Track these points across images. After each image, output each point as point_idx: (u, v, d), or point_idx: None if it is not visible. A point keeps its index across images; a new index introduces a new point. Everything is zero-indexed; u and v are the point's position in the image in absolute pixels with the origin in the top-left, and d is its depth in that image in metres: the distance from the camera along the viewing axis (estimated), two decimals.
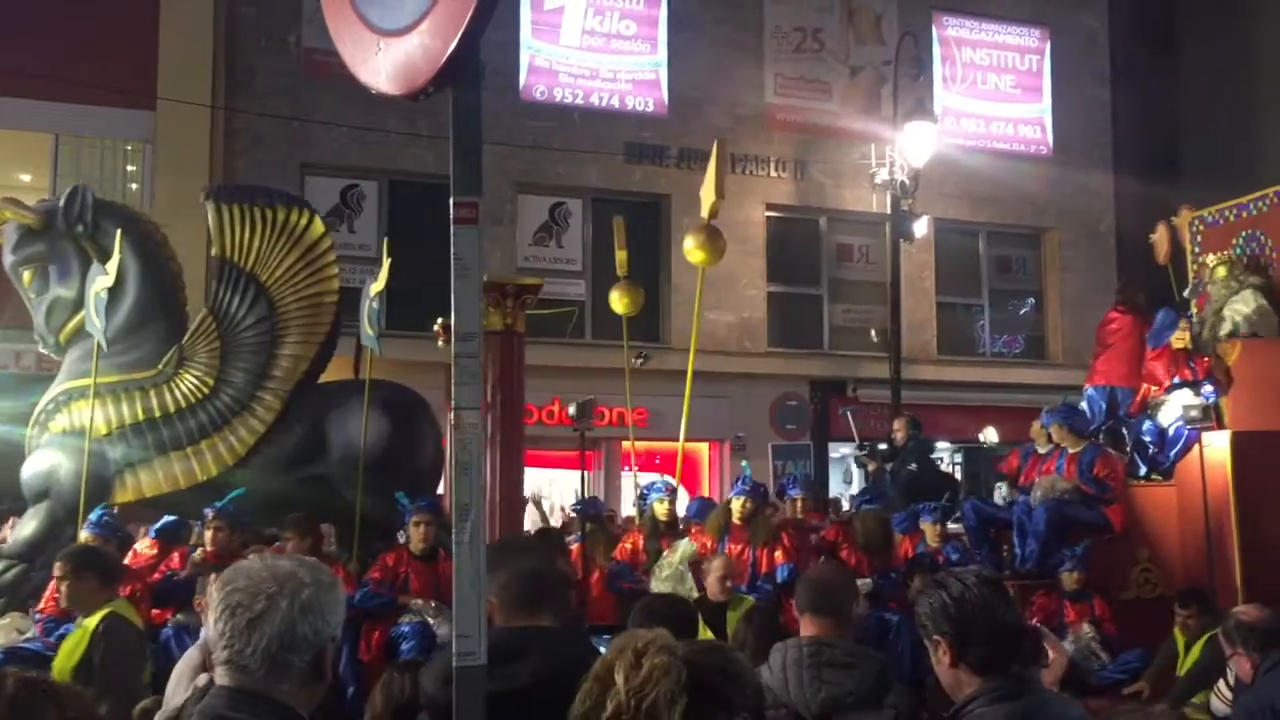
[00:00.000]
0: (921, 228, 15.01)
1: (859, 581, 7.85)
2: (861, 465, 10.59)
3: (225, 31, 14.47)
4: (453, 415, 2.03)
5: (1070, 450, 8.55)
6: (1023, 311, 18.20)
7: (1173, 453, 8.48)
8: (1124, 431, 9.10)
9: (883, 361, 15.15)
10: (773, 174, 16.58)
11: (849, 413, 11.70)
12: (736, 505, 8.41)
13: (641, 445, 16.06)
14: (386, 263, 8.44)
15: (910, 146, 14.30)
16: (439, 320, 8.98)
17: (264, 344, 8.54)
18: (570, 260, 15.94)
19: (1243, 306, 8.83)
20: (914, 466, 10.09)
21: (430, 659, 2.42)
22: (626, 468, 15.23)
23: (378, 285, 8.35)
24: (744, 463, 9.48)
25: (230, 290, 8.54)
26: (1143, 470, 8.67)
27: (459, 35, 2.00)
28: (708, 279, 16.06)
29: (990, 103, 17.95)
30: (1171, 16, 21.94)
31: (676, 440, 16.28)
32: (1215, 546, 7.83)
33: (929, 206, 15.66)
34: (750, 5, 16.68)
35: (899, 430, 10.54)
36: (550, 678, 1.96)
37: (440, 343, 9.01)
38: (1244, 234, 9.50)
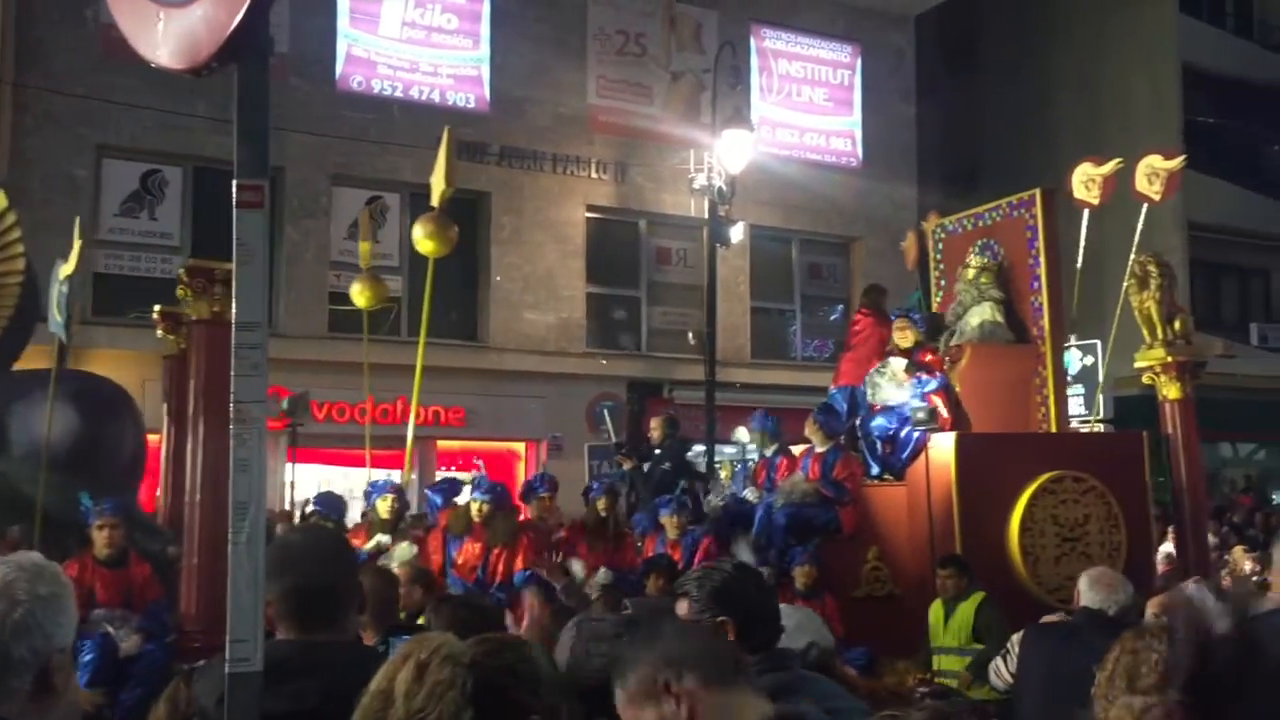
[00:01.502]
0: (737, 233, 15.31)
1: (600, 573, 8.01)
2: (616, 464, 10.56)
3: (15, 1, 13.56)
4: (233, 409, 1.92)
5: (818, 449, 8.64)
6: (832, 317, 18.80)
7: (904, 454, 8.64)
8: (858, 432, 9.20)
9: (698, 364, 15.39)
10: (593, 175, 16.64)
11: (606, 410, 11.62)
12: (475, 507, 8.40)
13: (457, 444, 15.91)
14: (77, 245, 7.91)
15: (728, 153, 14.56)
16: (156, 307, 8.56)
17: None
18: (387, 255, 15.58)
19: (976, 318, 9.20)
20: (668, 465, 10.10)
21: (202, 668, 2.27)
22: (444, 468, 15.03)
23: (67, 269, 7.81)
24: (478, 461, 9.36)
25: None
26: (875, 470, 8.82)
27: (244, 8, 1.90)
28: (526, 278, 16.10)
29: (804, 114, 18.48)
30: (973, 38, 23.12)
31: (495, 440, 16.24)
32: (939, 544, 8.09)
33: (744, 213, 16.01)
34: (573, 6, 16.69)
35: (655, 429, 10.46)
36: (344, 695, 1.86)
37: (160, 332, 8.63)
38: (980, 243, 9.81)
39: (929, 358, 8.85)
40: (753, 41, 18.04)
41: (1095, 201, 9.70)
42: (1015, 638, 5.36)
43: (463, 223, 16.14)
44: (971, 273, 9.46)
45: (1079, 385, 16.33)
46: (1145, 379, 9.04)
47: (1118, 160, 9.66)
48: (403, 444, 15.39)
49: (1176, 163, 9.50)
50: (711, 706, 1.85)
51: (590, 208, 16.65)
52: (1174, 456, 8.85)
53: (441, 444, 15.55)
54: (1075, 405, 17.69)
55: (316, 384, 14.46)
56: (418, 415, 15.19)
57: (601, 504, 8.89)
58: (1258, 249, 22.30)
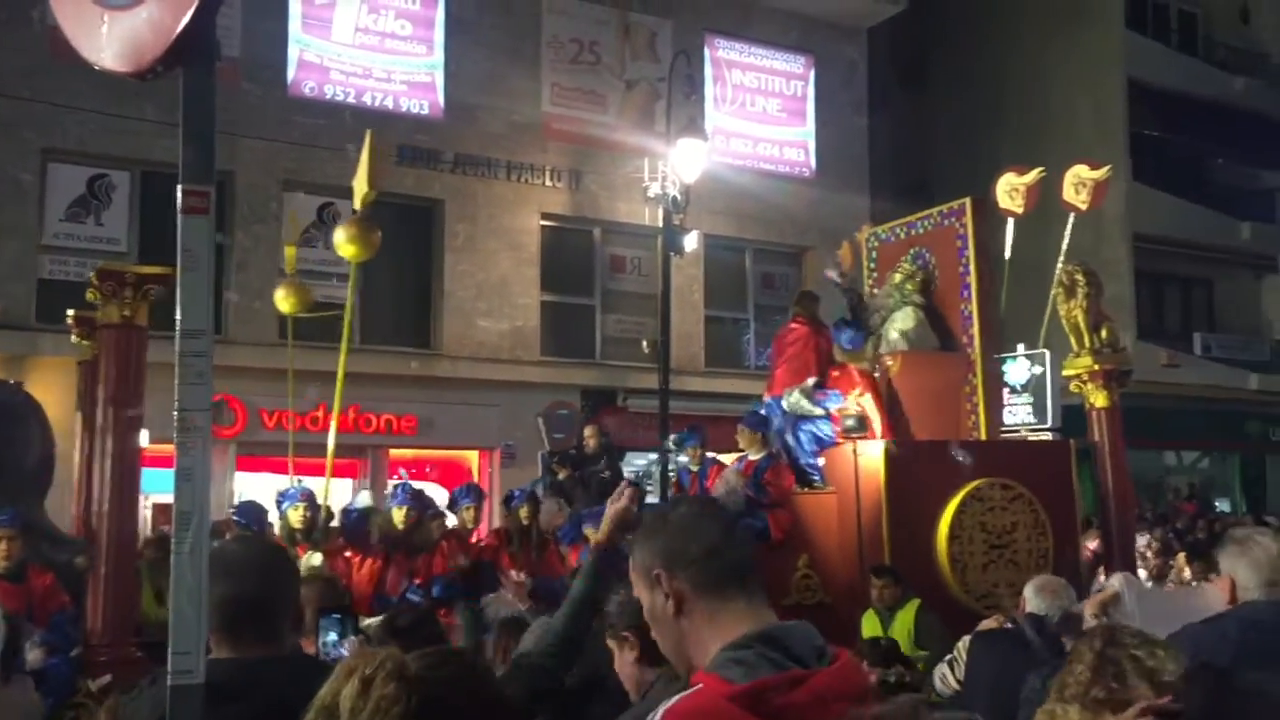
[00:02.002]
0: (691, 242, 15.33)
1: (516, 577, 8.03)
2: (551, 472, 10.45)
3: None
4: (176, 418, 1.89)
5: (750, 457, 8.60)
6: None
7: (804, 462, 8.70)
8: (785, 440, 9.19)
9: (652, 372, 15.40)
10: (548, 183, 16.62)
11: (542, 419, 11.52)
12: (398, 515, 8.25)
13: (410, 453, 15.80)
14: None
15: (682, 163, 14.59)
16: (71, 312, 8.43)
17: None
18: (339, 262, 15.39)
19: (902, 324, 9.28)
20: (607, 474, 10.03)
21: (140, 686, 2.22)
22: (396, 475, 14.92)
23: None
24: (401, 471, 9.24)
25: None
26: (817, 478, 8.79)
27: (191, 11, 1.88)
28: (480, 285, 16.03)
29: (758, 124, 18.59)
30: (924, 51, 23.42)
31: (448, 449, 16.14)
32: (868, 552, 8.09)
33: (699, 222, 16.04)
34: (528, 14, 16.68)
35: (591, 438, 10.41)
36: (287, 711, 1.82)
37: (74, 337, 8.49)
38: (913, 251, 9.89)
39: (836, 374, 8.91)
40: (707, 51, 18.13)
41: (1019, 210, 9.83)
42: (961, 644, 5.42)
43: (416, 230, 16.16)
44: (898, 277, 9.53)
45: (1028, 395, 16.54)
46: (1073, 387, 9.14)
47: (1040, 170, 9.79)
48: (355, 453, 15.34)
49: (1103, 172, 9.64)
50: (698, 610, 1.88)
51: (545, 215, 16.62)
52: (1100, 463, 8.94)
53: (394, 452, 15.45)
54: (1024, 414, 17.98)
55: (267, 391, 14.31)
56: (368, 423, 15.18)
57: (524, 512, 8.72)
58: (1201, 260, 22.74)
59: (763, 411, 9.40)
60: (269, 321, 14.70)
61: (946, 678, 5.39)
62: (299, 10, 15.17)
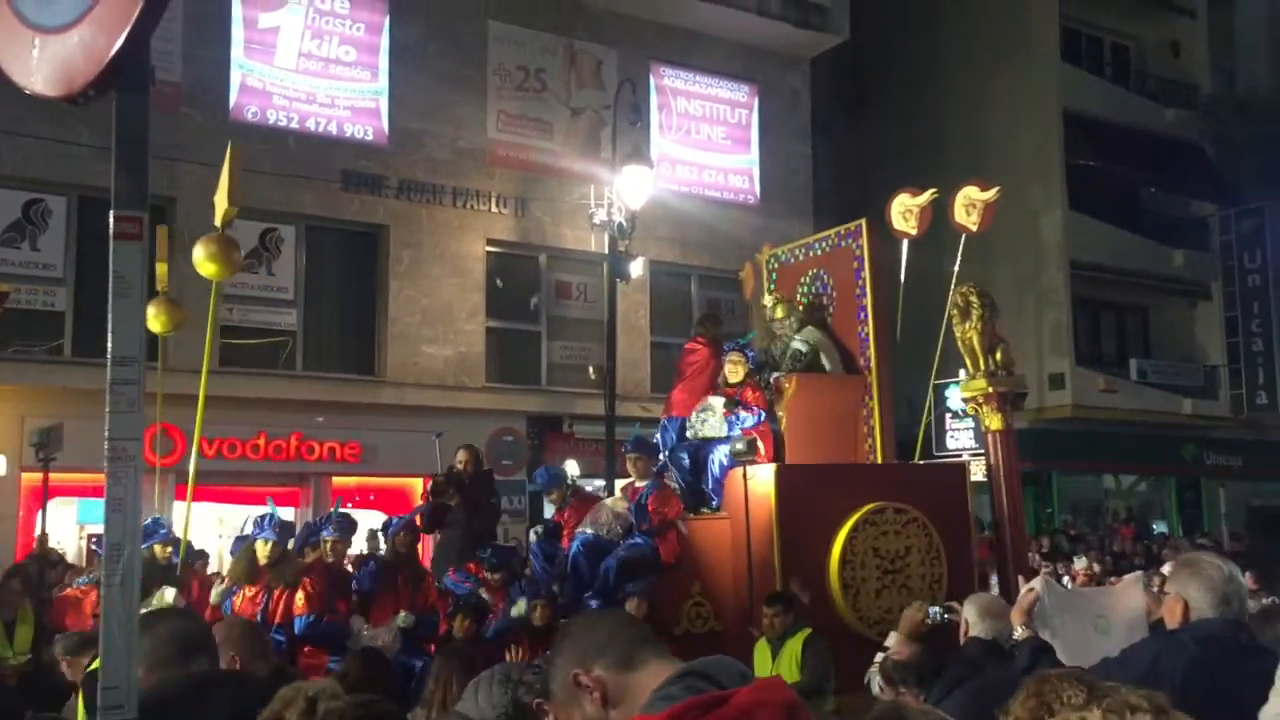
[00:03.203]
0: (637, 268, 15.40)
1: (399, 616, 7.70)
2: (439, 493, 10.12)
3: None
4: (107, 447, 1.86)
5: (637, 484, 8.36)
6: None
7: (714, 485, 8.52)
8: (673, 464, 8.96)
9: (599, 398, 15.40)
10: (493, 209, 16.59)
11: (436, 438, 11.25)
12: (262, 548, 7.69)
13: (354, 480, 15.62)
14: None
15: (627, 189, 14.66)
16: None
17: None
18: (282, 289, 15.32)
19: (801, 345, 9.19)
20: (495, 500, 9.86)
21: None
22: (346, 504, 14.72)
23: None
24: (269, 499, 8.78)
25: None
26: (715, 502, 8.61)
27: (124, 35, 1.86)
28: (425, 312, 15.94)
29: (703, 151, 18.73)
30: (866, 81, 23.78)
31: (392, 476, 15.97)
32: (758, 578, 7.88)
33: (644, 248, 16.12)
34: (473, 41, 16.69)
35: (466, 461, 9.99)
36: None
37: None
38: (810, 273, 9.83)
39: (750, 394, 8.72)
40: (652, 79, 18.25)
41: (913, 232, 9.75)
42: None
43: (360, 256, 16.05)
44: (781, 310, 9.43)
45: (969, 420, 16.76)
46: (969, 409, 9.03)
47: (933, 191, 9.75)
48: (297, 481, 15.15)
49: (992, 194, 9.60)
50: (618, 687, 1.92)
51: (490, 241, 16.59)
52: (995, 486, 8.68)
53: (337, 480, 15.27)
54: (966, 438, 18.22)
55: (207, 419, 14.04)
56: (311, 451, 14.99)
57: (399, 540, 8.36)
58: (1136, 287, 23.20)
59: (656, 437, 9.20)
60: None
61: (885, 689, 5.42)
62: (241, 35, 15.05)
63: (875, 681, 5.61)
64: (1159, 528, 22.74)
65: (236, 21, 14.99)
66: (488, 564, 8.29)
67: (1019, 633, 3.87)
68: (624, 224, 14.80)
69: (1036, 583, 4.03)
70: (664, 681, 1.86)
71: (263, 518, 7.94)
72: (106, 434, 1.87)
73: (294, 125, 15.29)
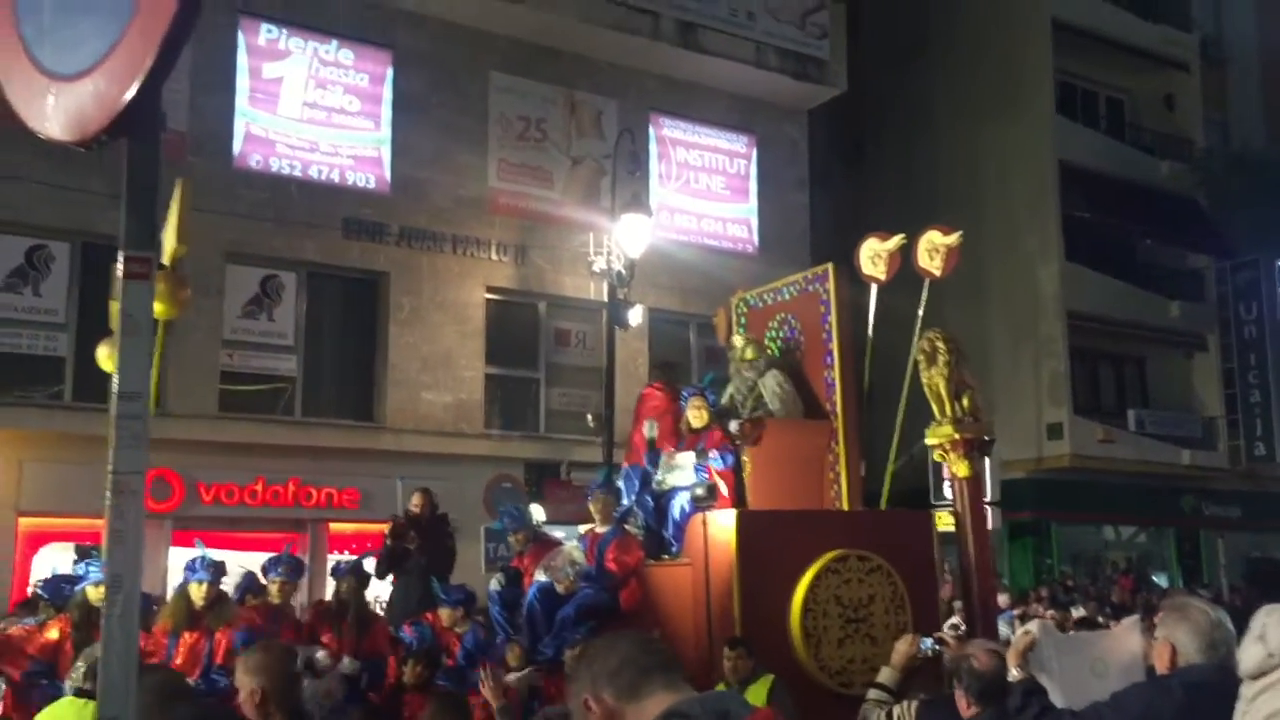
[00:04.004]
0: (636, 316, 15.48)
1: (343, 662, 7.56)
2: (399, 536, 10.04)
3: None
4: (110, 480, 1.90)
5: (598, 529, 8.29)
6: None
7: (675, 531, 8.42)
8: (640, 509, 8.85)
9: (596, 445, 15.40)
10: (494, 257, 16.71)
11: (400, 481, 11.21)
12: (196, 591, 7.43)
13: (351, 527, 15.59)
14: None
15: (627, 238, 14.78)
16: None
17: None
18: (282, 335, 15.39)
19: (766, 390, 9.05)
20: (451, 544, 9.84)
21: None
22: (338, 551, 14.71)
23: None
24: (197, 541, 8.61)
25: None
26: (676, 548, 8.46)
27: (137, 84, 1.93)
28: (425, 358, 16.01)
29: (702, 201, 18.90)
30: (864, 132, 24.04)
31: (389, 523, 15.90)
32: (718, 625, 7.67)
33: (643, 296, 16.21)
34: (475, 92, 16.91)
35: (420, 505, 9.98)
36: None
37: None
38: (779, 317, 9.69)
39: (718, 438, 8.58)
40: (652, 130, 18.46)
41: (882, 277, 9.64)
42: (909, 710, 5.44)
43: (361, 303, 16.15)
44: (751, 352, 9.32)
45: None
46: (936, 456, 8.80)
47: (901, 236, 9.59)
48: (294, 527, 15.11)
49: (954, 238, 9.44)
50: (619, 716, 2.00)
51: (490, 289, 16.69)
52: (961, 534, 8.45)
53: (335, 527, 15.25)
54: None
55: (206, 465, 14.11)
56: (309, 497, 14.98)
57: (343, 587, 8.24)
58: (1133, 338, 23.30)
59: (619, 481, 9.07)
60: (209, 395, 14.56)
61: None
62: (246, 85, 15.25)
63: (874, 718, 5.60)
64: (1159, 579, 22.64)
65: (241, 71, 15.20)
66: (449, 601, 8.20)
67: (1014, 674, 3.88)
68: (623, 272, 14.91)
69: (1033, 625, 4.05)
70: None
71: (194, 560, 7.69)
72: (110, 468, 1.91)
73: (297, 173, 15.46)
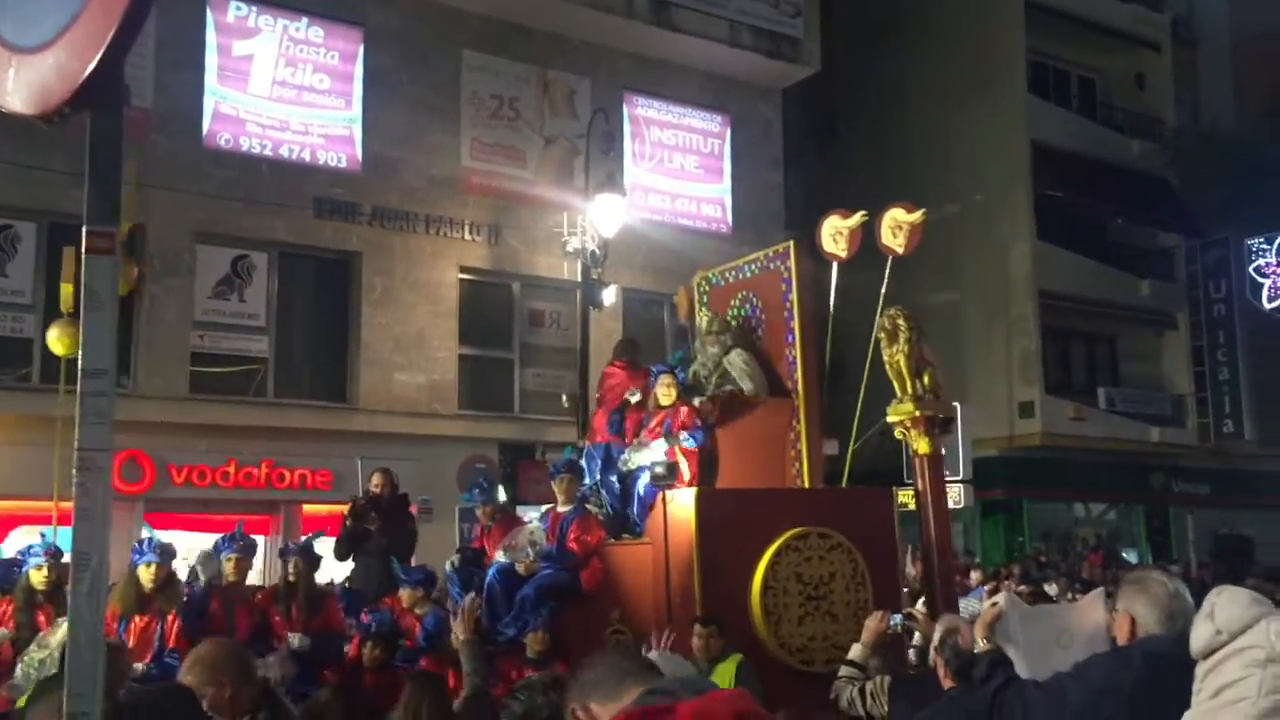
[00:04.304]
0: (610, 296, 15.46)
1: (292, 637, 7.54)
2: (360, 517, 9.99)
3: None
4: (76, 457, 1.88)
5: (560, 509, 8.27)
6: None
7: (640, 510, 8.41)
8: (604, 489, 8.85)
9: (571, 426, 15.40)
10: (467, 237, 16.63)
11: (360, 460, 11.08)
12: (145, 573, 7.31)
13: (325, 509, 15.53)
14: None
15: (601, 217, 14.75)
16: None
17: None
18: (253, 315, 15.28)
19: (734, 368, 9.08)
20: (414, 526, 9.81)
21: None
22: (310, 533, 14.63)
23: None
24: (145, 529, 8.52)
25: None
26: (640, 528, 8.46)
27: (99, 56, 1.90)
28: (398, 339, 15.94)
29: (675, 180, 18.87)
30: (836, 110, 24.05)
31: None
32: (677, 604, 7.70)
33: (617, 276, 16.18)
34: (447, 70, 16.78)
35: (381, 485, 9.84)
36: None
37: None
38: (740, 295, 9.70)
39: (686, 416, 8.57)
40: (625, 109, 18.39)
41: (844, 254, 9.62)
42: (882, 686, 5.49)
43: (333, 283, 16.05)
44: (715, 326, 9.33)
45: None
46: (897, 433, 8.82)
47: (862, 214, 9.56)
48: (267, 509, 15.04)
49: (917, 216, 9.45)
50: (606, 718, 2.08)
51: (463, 269, 16.63)
52: (922, 511, 8.47)
53: (308, 508, 15.18)
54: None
55: (177, 447, 14.02)
56: (282, 479, 14.91)
57: (293, 567, 8.18)
58: (1104, 316, 23.48)
59: (581, 460, 9.04)
60: (180, 376, 14.45)
61: (855, 703, 5.46)
62: (215, 62, 15.08)
63: (846, 695, 5.65)
64: (1128, 556, 22.90)
65: (210, 49, 15.02)
66: (409, 582, 8.18)
67: (980, 645, 3.93)
68: (597, 252, 14.88)
69: (1000, 598, 4.09)
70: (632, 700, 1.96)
71: (142, 541, 7.60)
72: (76, 445, 1.89)
73: (267, 152, 15.31)
